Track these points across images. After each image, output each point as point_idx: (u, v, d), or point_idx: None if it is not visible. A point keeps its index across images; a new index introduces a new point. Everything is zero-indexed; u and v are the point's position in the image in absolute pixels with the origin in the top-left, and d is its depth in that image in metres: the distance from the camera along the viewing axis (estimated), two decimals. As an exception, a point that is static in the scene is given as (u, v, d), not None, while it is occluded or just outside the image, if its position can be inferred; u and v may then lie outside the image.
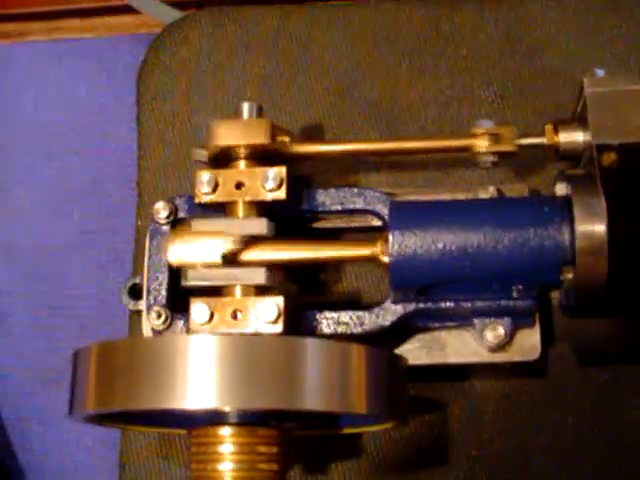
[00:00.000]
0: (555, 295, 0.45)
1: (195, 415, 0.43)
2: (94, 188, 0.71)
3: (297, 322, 0.46)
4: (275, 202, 0.46)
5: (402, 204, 0.46)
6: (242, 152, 0.47)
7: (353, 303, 0.52)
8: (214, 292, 0.46)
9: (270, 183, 0.46)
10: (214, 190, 0.46)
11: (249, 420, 0.42)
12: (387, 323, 0.46)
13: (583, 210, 0.42)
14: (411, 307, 0.46)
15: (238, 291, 0.45)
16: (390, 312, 0.46)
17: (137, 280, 0.51)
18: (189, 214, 0.49)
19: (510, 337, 0.47)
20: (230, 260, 0.45)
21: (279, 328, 0.43)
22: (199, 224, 0.46)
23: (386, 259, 0.44)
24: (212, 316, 0.44)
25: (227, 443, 0.42)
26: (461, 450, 0.51)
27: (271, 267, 0.46)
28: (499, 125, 0.47)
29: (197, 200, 0.47)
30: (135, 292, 0.51)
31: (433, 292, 0.45)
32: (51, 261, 0.70)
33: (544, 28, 0.57)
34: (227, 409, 0.40)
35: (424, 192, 0.51)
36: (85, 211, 0.71)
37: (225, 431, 0.42)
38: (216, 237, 0.45)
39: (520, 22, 0.57)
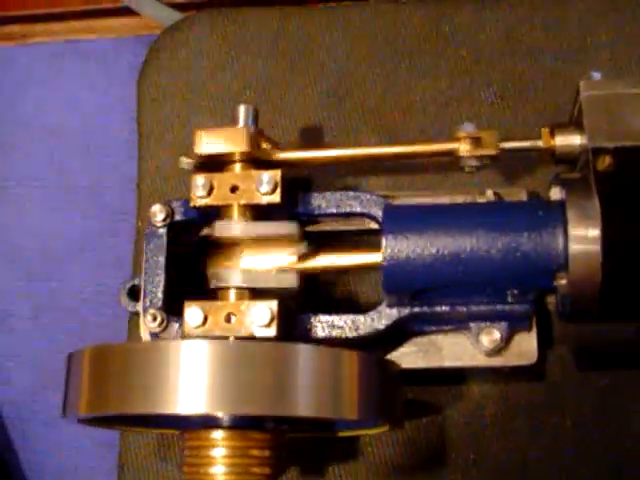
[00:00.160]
0: (551, 300, 0.45)
1: (188, 418, 0.43)
2: (95, 189, 0.72)
3: (292, 325, 0.46)
4: (270, 205, 0.46)
5: (396, 208, 0.46)
6: (233, 156, 0.47)
7: (352, 306, 0.52)
8: (209, 296, 0.46)
9: (265, 187, 0.46)
10: (209, 193, 0.46)
11: (242, 424, 0.42)
12: (382, 327, 0.46)
13: (577, 214, 0.41)
14: (406, 311, 0.46)
15: (232, 295, 0.45)
16: (385, 316, 0.46)
17: (136, 282, 0.52)
18: (185, 217, 0.49)
19: (507, 341, 0.47)
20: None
21: (272, 332, 0.43)
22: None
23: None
24: (206, 319, 0.44)
25: (220, 446, 0.42)
26: (459, 454, 0.50)
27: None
28: (481, 129, 0.47)
29: (192, 203, 0.47)
30: (134, 294, 0.52)
31: (428, 296, 0.45)
32: (52, 262, 0.71)
33: (544, 29, 0.56)
34: (219, 414, 0.41)
35: (422, 195, 0.50)
36: (86, 212, 0.71)
37: (218, 434, 0.42)
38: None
39: (520, 23, 0.57)
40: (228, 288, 0.46)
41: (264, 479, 0.42)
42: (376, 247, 0.45)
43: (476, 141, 0.47)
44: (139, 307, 0.50)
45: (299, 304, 0.49)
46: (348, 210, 0.48)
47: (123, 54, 0.72)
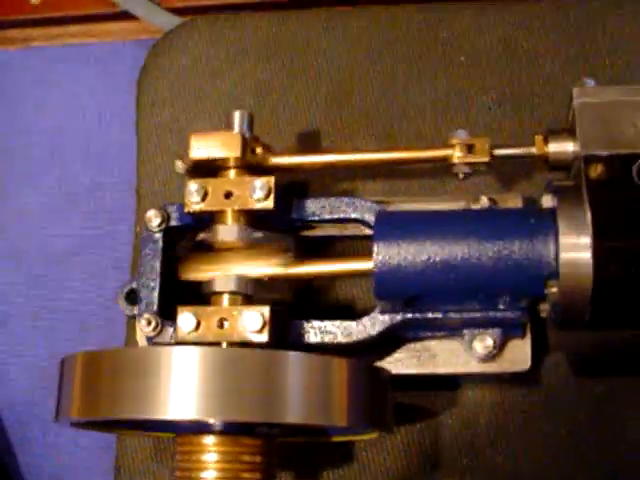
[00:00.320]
0: (544, 307, 0.45)
1: (179, 424, 0.43)
2: (95, 193, 0.72)
3: (284, 331, 0.46)
4: (263, 211, 0.46)
5: (388, 214, 0.46)
6: (227, 162, 0.47)
7: (347, 311, 0.53)
8: (202, 301, 0.46)
9: (258, 193, 0.46)
10: (203, 199, 0.47)
11: (234, 429, 0.43)
12: (374, 333, 0.46)
13: (568, 222, 0.41)
14: (399, 318, 0.46)
15: (225, 300, 0.46)
16: (378, 322, 0.46)
17: (134, 285, 0.52)
18: (181, 222, 0.50)
19: (500, 348, 0.47)
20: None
21: (265, 338, 0.44)
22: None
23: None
24: (199, 325, 0.44)
25: (211, 452, 0.42)
26: (453, 459, 0.50)
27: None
28: (474, 136, 0.47)
29: (186, 209, 0.47)
30: (132, 297, 0.52)
31: (420, 303, 0.45)
32: (52, 264, 0.71)
33: (543, 34, 0.56)
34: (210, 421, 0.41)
35: (417, 201, 0.50)
36: (86, 215, 0.72)
37: (209, 440, 0.42)
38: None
39: (519, 28, 0.57)
40: (221, 293, 0.46)
41: (255, 484, 0.42)
42: (370, 253, 0.45)
43: (469, 148, 0.47)
44: (136, 311, 0.50)
45: (293, 310, 0.49)
46: (342, 216, 0.48)
47: (123, 58, 0.72)
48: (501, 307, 0.44)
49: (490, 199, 0.48)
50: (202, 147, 0.47)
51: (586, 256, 0.40)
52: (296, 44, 0.58)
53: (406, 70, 0.57)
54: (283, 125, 0.57)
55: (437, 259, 0.43)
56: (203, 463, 0.42)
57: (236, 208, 0.46)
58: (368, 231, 0.49)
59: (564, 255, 0.41)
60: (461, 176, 0.48)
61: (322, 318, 0.47)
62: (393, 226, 0.44)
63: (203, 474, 0.42)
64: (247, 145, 0.47)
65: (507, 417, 0.51)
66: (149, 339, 0.48)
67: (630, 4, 0.56)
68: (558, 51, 0.56)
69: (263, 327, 0.44)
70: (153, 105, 0.59)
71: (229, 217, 0.47)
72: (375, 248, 0.43)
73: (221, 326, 0.44)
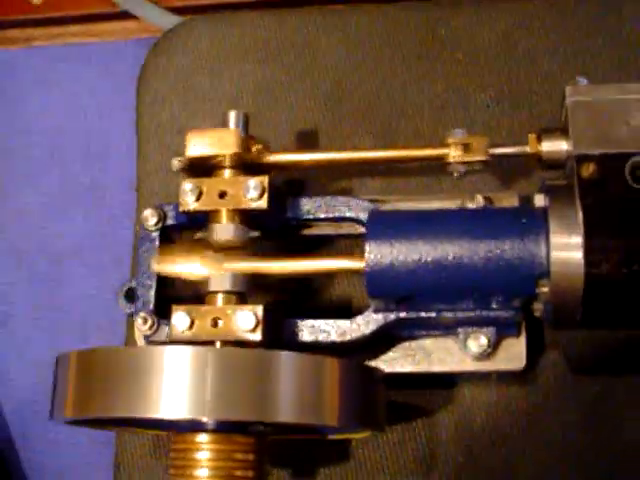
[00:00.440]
0: (538, 306, 0.45)
1: (173, 422, 0.44)
2: (96, 192, 0.73)
3: (279, 330, 0.47)
4: (258, 211, 0.46)
5: (380, 214, 0.46)
6: (224, 161, 0.47)
7: (344, 310, 0.53)
8: (197, 300, 0.47)
9: (252, 192, 0.46)
10: (198, 199, 0.47)
11: (227, 427, 0.43)
12: (368, 332, 0.46)
13: (559, 222, 0.41)
14: (392, 316, 0.46)
15: (219, 299, 0.46)
16: (371, 321, 0.46)
17: (133, 284, 0.52)
18: (177, 221, 0.50)
19: (495, 346, 0.47)
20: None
21: (258, 337, 0.44)
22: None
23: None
24: (193, 324, 0.45)
25: (204, 450, 0.43)
26: (449, 457, 0.50)
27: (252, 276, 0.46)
28: (471, 135, 0.47)
29: (181, 209, 0.47)
30: (131, 296, 0.52)
31: (413, 302, 0.45)
32: (53, 263, 0.72)
33: (541, 32, 0.56)
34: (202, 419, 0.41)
35: (413, 200, 0.50)
36: (87, 214, 0.72)
37: (202, 438, 0.43)
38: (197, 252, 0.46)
39: (517, 26, 0.56)
40: (216, 293, 0.46)
41: (248, 482, 0.43)
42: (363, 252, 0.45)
43: (466, 147, 0.47)
44: (134, 309, 0.50)
45: (290, 308, 0.49)
46: (337, 215, 0.49)
47: (124, 57, 0.72)
48: (494, 306, 0.44)
49: (486, 198, 0.48)
50: (199, 144, 0.47)
51: (577, 255, 0.40)
52: (295, 43, 0.58)
53: (404, 68, 0.57)
54: (282, 123, 0.57)
55: (429, 258, 0.43)
56: (196, 461, 0.43)
57: (230, 208, 0.47)
58: (363, 230, 0.49)
59: (555, 254, 0.41)
60: (456, 175, 0.48)
61: (318, 317, 0.47)
62: (385, 225, 0.44)
63: (196, 472, 0.42)
64: (244, 142, 0.47)
65: (503, 416, 0.50)
66: (146, 337, 0.49)
67: (629, 3, 0.56)
68: (557, 49, 0.56)
69: (256, 326, 0.44)
70: (153, 104, 0.59)
71: (224, 216, 0.47)
72: (367, 247, 0.43)
73: (215, 325, 0.45)
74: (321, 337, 0.47)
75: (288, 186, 0.54)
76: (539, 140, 0.45)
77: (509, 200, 0.49)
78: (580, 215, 0.40)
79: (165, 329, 0.48)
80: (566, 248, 0.41)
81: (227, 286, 0.46)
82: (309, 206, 0.49)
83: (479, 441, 0.50)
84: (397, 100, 0.57)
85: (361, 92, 0.57)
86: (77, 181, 0.73)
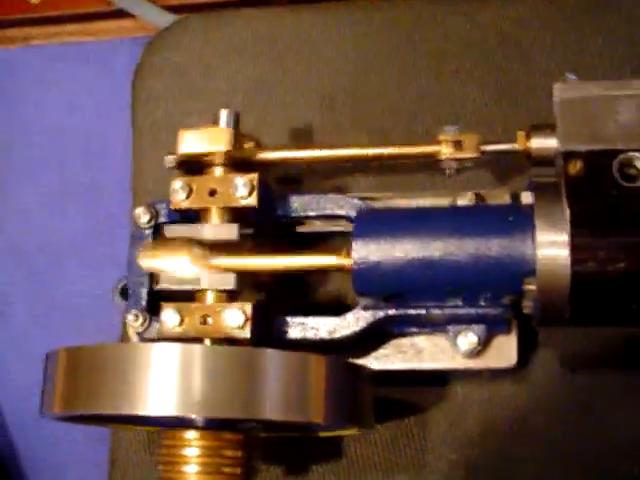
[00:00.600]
0: (527, 304, 0.45)
1: (161, 419, 0.44)
2: (94, 189, 0.73)
3: (268, 327, 0.47)
4: (247, 208, 0.47)
5: (368, 212, 0.46)
6: (215, 159, 0.47)
7: (334, 307, 0.53)
8: (187, 297, 0.47)
9: (241, 190, 0.46)
10: (188, 197, 0.47)
11: (216, 424, 0.43)
12: (357, 329, 0.46)
13: (545, 219, 0.41)
14: (381, 314, 0.46)
15: (209, 297, 0.46)
16: (361, 318, 0.46)
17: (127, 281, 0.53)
18: (170, 219, 0.50)
19: (485, 344, 0.47)
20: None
21: (247, 334, 0.44)
22: (171, 230, 0.47)
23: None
24: (182, 321, 0.45)
25: (193, 446, 0.43)
26: (441, 454, 0.50)
27: (241, 273, 0.46)
28: (462, 132, 0.47)
29: (172, 206, 0.48)
30: (126, 292, 0.53)
31: (402, 299, 0.45)
32: (51, 260, 0.72)
33: (540, 30, 0.56)
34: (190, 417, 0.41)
35: (405, 197, 0.50)
36: (85, 212, 0.73)
37: (191, 434, 0.43)
38: (185, 244, 0.46)
39: (513, 24, 0.56)
40: (205, 290, 0.46)
41: (236, 479, 0.43)
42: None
43: (457, 144, 0.47)
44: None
45: (281, 306, 0.50)
46: (327, 212, 0.49)
47: (120, 55, 0.73)
48: (482, 304, 0.44)
49: (477, 195, 0.48)
50: (191, 142, 0.48)
51: (564, 253, 0.40)
52: (289, 41, 0.58)
53: (399, 66, 0.57)
54: (276, 121, 0.57)
55: (416, 256, 0.43)
56: (185, 457, 0.43)
57: (220, 206, 0.47)
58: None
59: (541, 252, 0.41)
60: (449, 172, 0.48)
61: (310, 314, 0.48)
62: (373, 223, 0.44)
63: (185, 468, 0.43)
64: (234, 140, 0.47)
65: (495, 413, 0.50)
66: (139, 334, 0.49)
67: (627, 0, 0.56)
68: (554, 47, 0.55)
69: (245, 323, 0.44)
70: (148, 102, 0.59)
71: (214, 214, 0.47)
72: (354, 245, 0.43)
73: (204, 322, 0.45)
74: (310, 334, 0.47)
75: (281, 184, 0.54)
76: (528, 137, 0.45)
77: (501, 197, 0.49)
78: (567, 212, 0.40)
79: (156, 326, 0.48)
80: (552, 246, 0.40)
81: (216, 284, 0.46)
82: (299, 204, 0.49)
83: (471, 438, 0.50)
84: (391, 97, 0.57)
85: (355, 90, 0.57)
86: (75, 180, 0.73)
